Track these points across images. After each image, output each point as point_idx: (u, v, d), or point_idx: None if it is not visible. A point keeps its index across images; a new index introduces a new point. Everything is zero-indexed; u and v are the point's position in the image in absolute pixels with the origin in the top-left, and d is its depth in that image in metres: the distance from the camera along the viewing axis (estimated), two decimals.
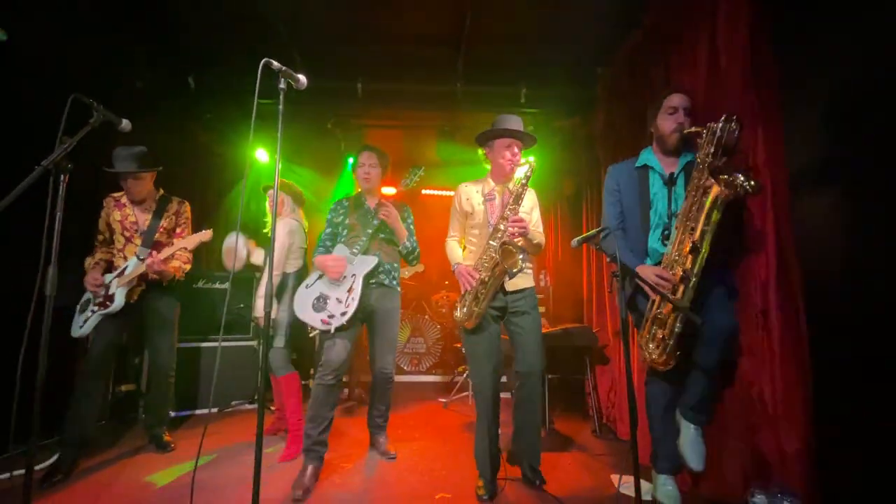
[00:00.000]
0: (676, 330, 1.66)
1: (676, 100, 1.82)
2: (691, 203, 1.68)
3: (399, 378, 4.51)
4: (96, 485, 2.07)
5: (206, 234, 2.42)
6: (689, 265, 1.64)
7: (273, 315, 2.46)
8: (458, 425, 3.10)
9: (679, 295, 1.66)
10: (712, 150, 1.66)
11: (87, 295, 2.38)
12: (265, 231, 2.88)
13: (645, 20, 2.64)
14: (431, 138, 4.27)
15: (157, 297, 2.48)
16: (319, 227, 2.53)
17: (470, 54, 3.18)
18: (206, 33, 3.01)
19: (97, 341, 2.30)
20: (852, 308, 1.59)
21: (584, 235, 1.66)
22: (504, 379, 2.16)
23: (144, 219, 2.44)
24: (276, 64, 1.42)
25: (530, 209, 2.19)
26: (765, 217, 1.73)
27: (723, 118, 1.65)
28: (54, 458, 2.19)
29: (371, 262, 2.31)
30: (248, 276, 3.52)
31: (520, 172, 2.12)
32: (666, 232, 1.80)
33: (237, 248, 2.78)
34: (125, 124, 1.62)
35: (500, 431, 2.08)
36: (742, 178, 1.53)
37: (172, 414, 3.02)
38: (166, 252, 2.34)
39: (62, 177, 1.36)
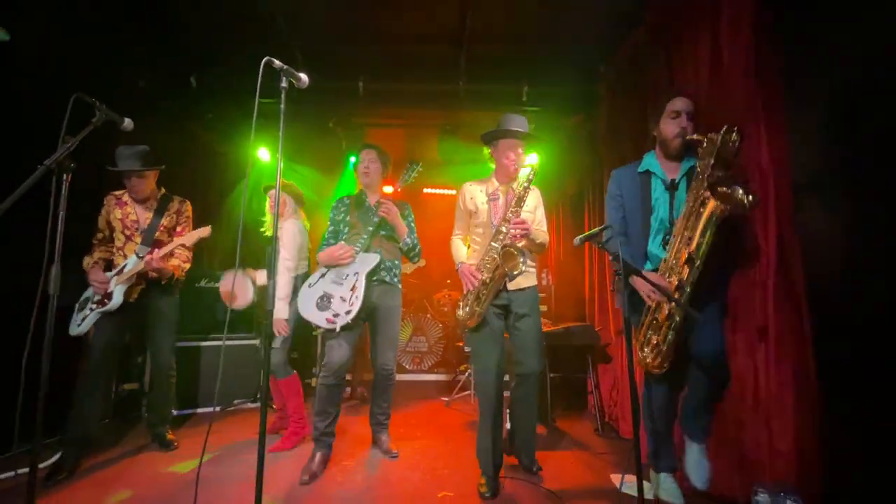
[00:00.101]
0: (670, 337, 1.69)
1: (679, 104, 1.81)
2: (689, 213, 1.69)
3: (401, 377, 4.52)
4: (100, 482, 2.08)
5: (204, 231, 2.42)
6: (684, 275, 1.65)
7: (286, 316, 2.49)
8: (460, 424, 3.10)
9: (672, 304, 1.69)
10: (712, 161, 1.66)
11: (87, 293, 2.38)
12: (262, 230, 2.88)
13: (647, 18, 2.63)
14: (433, 137, 4.26)
15: (157, 296, 2.48)
16: (321, 226, 2.54)
17: (471, 52, 3.17)
18: (206, 33, 3.01)
19: (97, 340, 2.30)
20: (852, 308, 1.59)
21: (587, 234, 1.66)
22: (506, 378, 2.18)
23: (145, 217, 2.45)
24: (277, 62, 1.41)
25: (534, 208, 2.21)
26: (767, 217, 1.72)
27: (723, 129, 1.65)
28: (57, 455, 2.21)
29: (373, 259, 2.33)
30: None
31: (523, 174, 2.13)
32: (666, 237, 1.81)
33: (243, 287, 2.91)
34: (127, 123, 1.62)
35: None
36: (741, 192, 1.53)
37: (175, 412, 3.03)
38: (165, 249, 2.35)
39: (65, 176, 1.37)
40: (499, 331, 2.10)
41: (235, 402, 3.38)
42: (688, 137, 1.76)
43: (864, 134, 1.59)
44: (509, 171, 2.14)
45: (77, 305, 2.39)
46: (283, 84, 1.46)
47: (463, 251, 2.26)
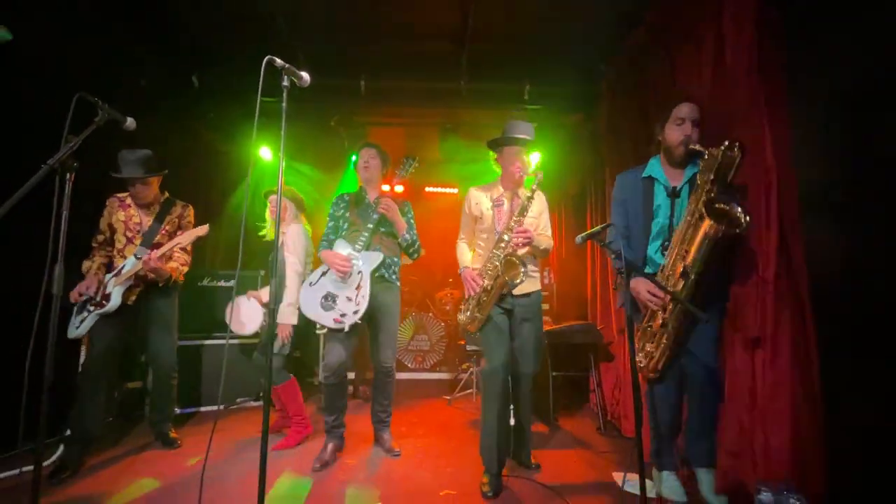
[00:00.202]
0: (663, 344, 1.71)
1: (685, 110, 1.81)
2: (687, 226, 1.69)
3: (403, 375, 4.53)
4: (104, 480, 2.09)
5: (201, 230, 2.42)
6: (679, 288, 1.66)
7: (294, 321, 2.50)
8: (463, 422, 3.10)
9: (667, 314, 1.72)
10: (711, 176, 1.66)
11: (87, 294, 2.38)
12: (261, 234, 2.88)
13: (647, 18, 2.62)
14: (435, 135, 4.25)
15: (156, 297, 2.48)
16: (322, 228, 2.55)
17: (473, 51, 3.16)
18: (207, 33, 3.01)
19: (97, 343, 2.30)
20: (852, 308, 1.59)
21: (589, 232, 1.66)
22: None
23: (148, 220, 2.46)
24: (279, 61, 1.42)
25: (538, 213, 2.23)
26: (769, 215, 1.71)
27: (724, 144, 1.64)
28: (59, 452, 2.23)
29: (377, 258, 2.36)
30: (252, 276, 3.52)
31: (529, 181, 2.16)
32: (666, 243, 1.82)
33: (249, 312, 2.93)
34: (130, 122, 1.62)
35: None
36: (739, 211, 1.54)
37: (178, 411, 3.03)
38: (163, 249, 2.34)
39: (68, 176, 1.37)
40: (505, 329, 2.12)
41: (238, 400, 3.39)
42: (691, 147, 1.76)
43: (865, 134, 1.59)
44: (515, 177, 2.16)
45: (76, 307, 2.38)
46: (285, 83, 1.46)
47: (467, 256, 2.29)
